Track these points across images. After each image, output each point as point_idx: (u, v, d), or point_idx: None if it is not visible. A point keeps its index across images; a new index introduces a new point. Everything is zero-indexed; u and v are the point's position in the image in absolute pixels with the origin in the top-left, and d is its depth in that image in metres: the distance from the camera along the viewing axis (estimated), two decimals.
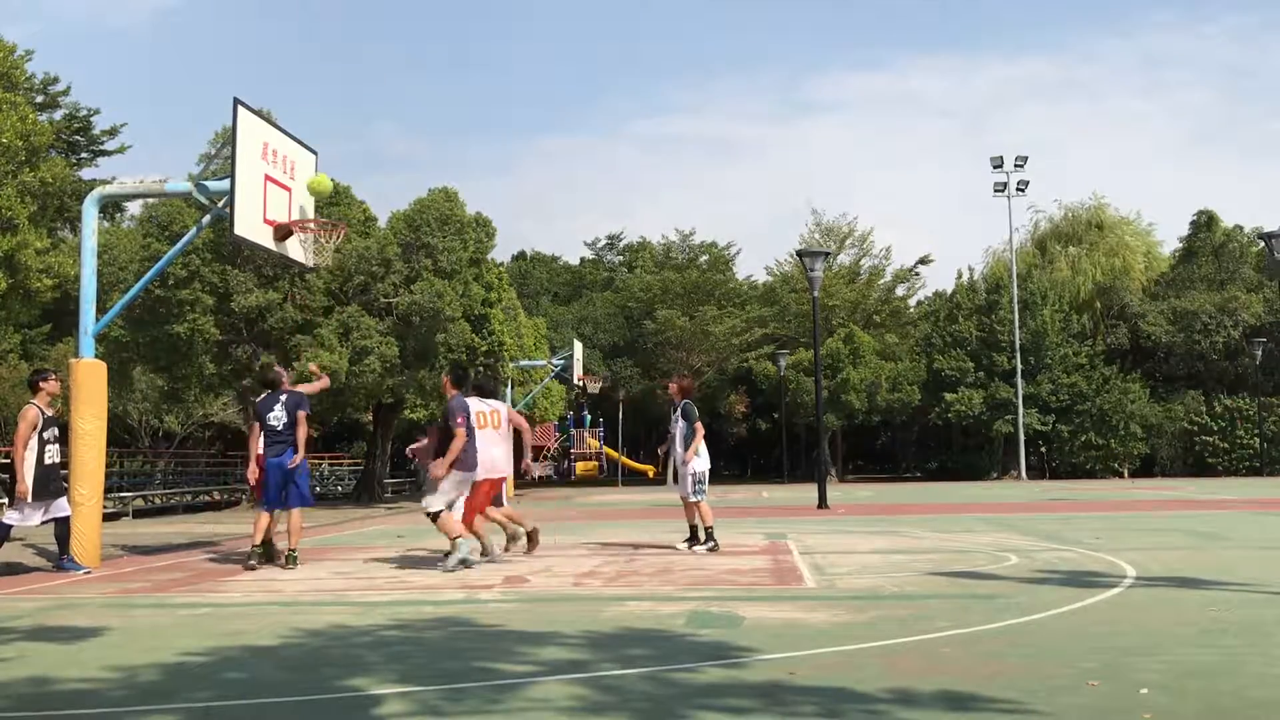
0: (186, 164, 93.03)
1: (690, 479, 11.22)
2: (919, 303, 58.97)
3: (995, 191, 49.72)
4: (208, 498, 25.89)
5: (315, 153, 12.33)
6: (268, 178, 11.20)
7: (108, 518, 15.43)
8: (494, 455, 10.13)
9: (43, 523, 10.04)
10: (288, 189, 11.60)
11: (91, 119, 41.95)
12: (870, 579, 8.57)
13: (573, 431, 57.17)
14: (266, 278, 23.17)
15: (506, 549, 10.69)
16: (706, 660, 5.26)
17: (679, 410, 11.43)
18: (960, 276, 52.64)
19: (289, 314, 23.30)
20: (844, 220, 55.98)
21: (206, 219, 11.63)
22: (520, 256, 71.91)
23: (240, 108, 10.76)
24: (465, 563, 9.43)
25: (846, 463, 57.88)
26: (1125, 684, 4.59)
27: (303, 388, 10.72)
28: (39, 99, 36.90)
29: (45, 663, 5.45)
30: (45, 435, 9.93)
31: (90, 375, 10.86)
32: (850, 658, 5.29)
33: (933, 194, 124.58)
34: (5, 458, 18.01)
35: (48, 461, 9.94)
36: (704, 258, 56.65)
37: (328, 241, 12.28)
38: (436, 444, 10.00)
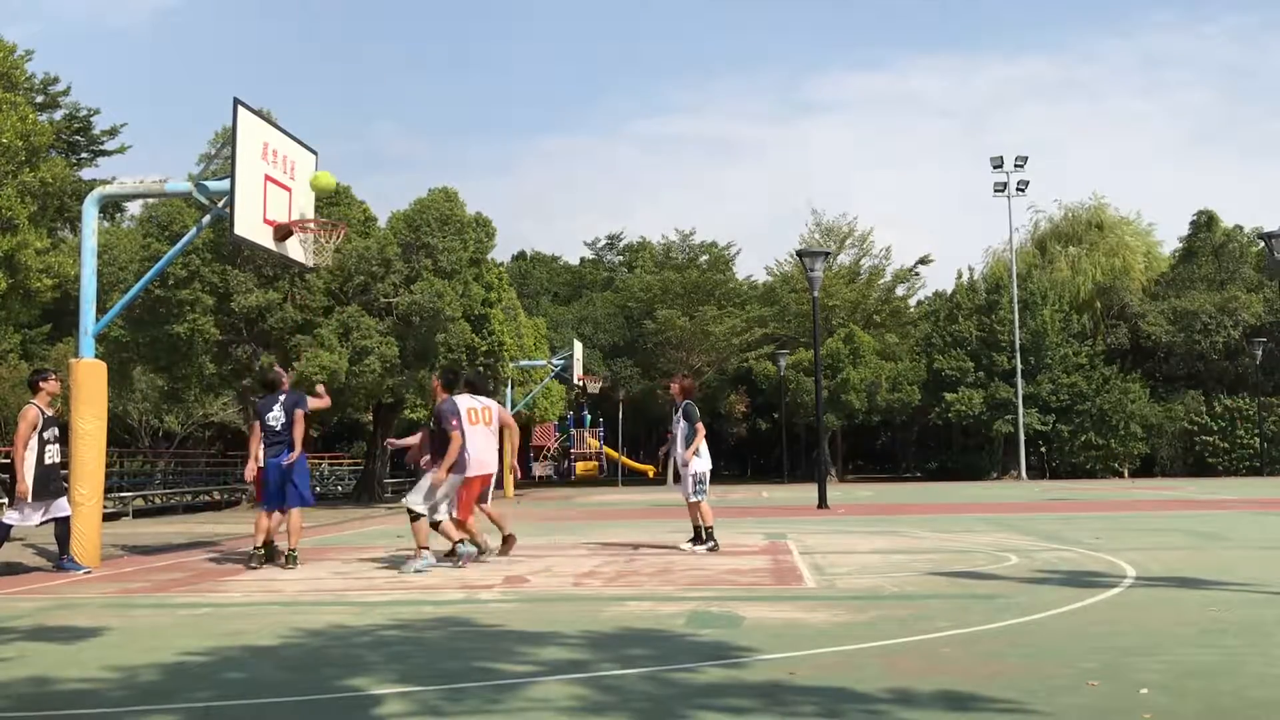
0: (186, 164, 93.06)
1: (691, 479, 11.22)
2: (919, 303, 59.00)
3: (995, 191, 49.75)
4: (208, 498, 25.89)
5: (315, 153, 12.33)
6: (268, 178, 11.19)
7: (108, 518, 15.43)
8: (484, 452, 10.18)
9: (42, 522, 10.04)
10: (288, 189, 11.60)
11: (91, 119, 42.01)
12: (870, 579, 8.57)
13: (573, 431, 57.20)
14: (266, 278, 23.17)
15: (502, 549, 10.65)
16: (706, 660, 5.26)
17: (680, 410, 11.43)
18: (960, 276, 52.70)
19: (289, 314, 23.30)
20: (844, 220, 56.02)
21: (206, 219, 11.63)
22: (520, 256, 71.91)
23: (240, 108, 10.76)
24: (421, 572, 9.41)
25: (846, 463, 57.89)
26: (1125, 684, 4.59)
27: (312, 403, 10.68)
28: (39, 99, 36.92)
29: (45, 663, 5.45)
30: (45, 435, 9.92)
31: (90, 375, 10.86)
32: (850, 658, 5.29)
33: (933, 194, 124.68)
34: (5, 458, 18.01)
35: (48, 461, 9.94)
36: (704, 258, 56.62)
37: (328, 241, 12.28)
38: (428, 445, 10.00)
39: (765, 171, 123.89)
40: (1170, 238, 63.83)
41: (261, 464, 10.10)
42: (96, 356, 11.18)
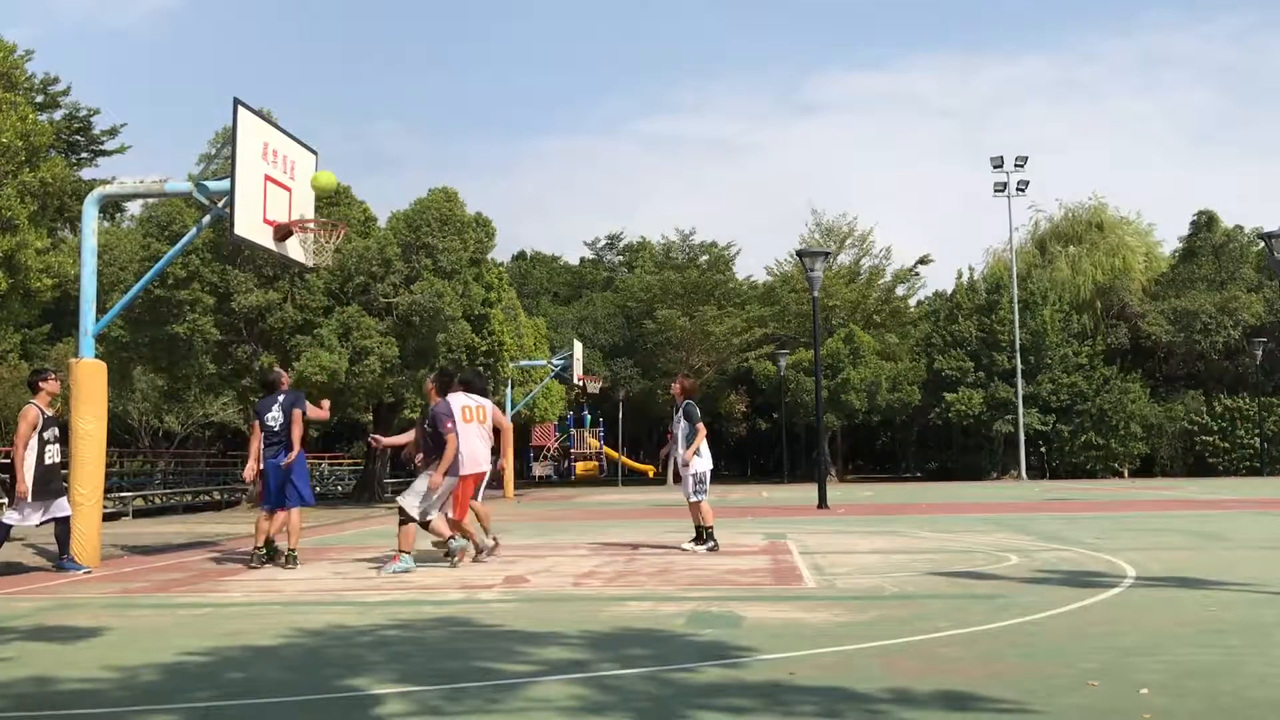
0: (186, 164, 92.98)
1: (691, 479, 11.22)
2: (919, 303, 58.97)
3: (995, 191, 49.77)
4: (208, 498, 25.90)
5: (315, 153, 12.33)
6: (268, 178, 11.19)
7: (108, 518, 15.43)
8: (477, 449, 10.24)
9: (42, 522, 10.04)
10: (288, 189, 11.60)
11: (91, 119, 42.00)
12: (870, 579, 8.57)
13: (573, 431, 57.19)
14: (266, 278, 23.17)
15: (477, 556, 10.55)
16: (706, 660, 5.26)
17: (681, 410, 11.43)
18: (960, 276, 52.68)
19: (289, 314, 23.30)
20: (844, 220, 55.96)
21: (206, 219, 11.63)
22: (520, 256, 71.89)
23: (240, 108, 10.76)
24: (398, 573, 9.37)
25: (846, 463, 57.90)
26: (1125, 684, 4.59)
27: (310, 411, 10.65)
28: (39, 99, 36.91)
29: (45, 663, 5.45)
30: (45, 435, 9.92)
31: (90, 375, 10.85)
32: (850, 658, 5.29)
33: (933, 194, 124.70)
34: (5, 458, 18.01)
35: (48, 461, 9.94)
36: (704, 258, 56.58)
37: (328, 241, 12.28)
38: (423, 445, 10.01)
39: (765, 171, 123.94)
40: (1170, 238, 63.95)
41: (261, 464, 10.12)
42: (96, 356, 11.17)
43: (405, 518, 9.66)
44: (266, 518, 10.21)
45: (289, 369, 19.84)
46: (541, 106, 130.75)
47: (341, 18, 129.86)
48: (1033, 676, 4.76)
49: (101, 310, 11.93)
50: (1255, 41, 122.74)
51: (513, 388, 33.32)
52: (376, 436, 11.88)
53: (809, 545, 11.91)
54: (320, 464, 41.04)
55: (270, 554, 10.28)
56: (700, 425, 11.32)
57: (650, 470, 55.57)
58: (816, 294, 23.69)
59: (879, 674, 4.86)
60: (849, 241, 55.35)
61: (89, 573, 9.97)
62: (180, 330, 22.34)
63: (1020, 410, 46.57)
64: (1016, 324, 47.37)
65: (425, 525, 9.73)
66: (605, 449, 56.20)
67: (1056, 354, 48.36)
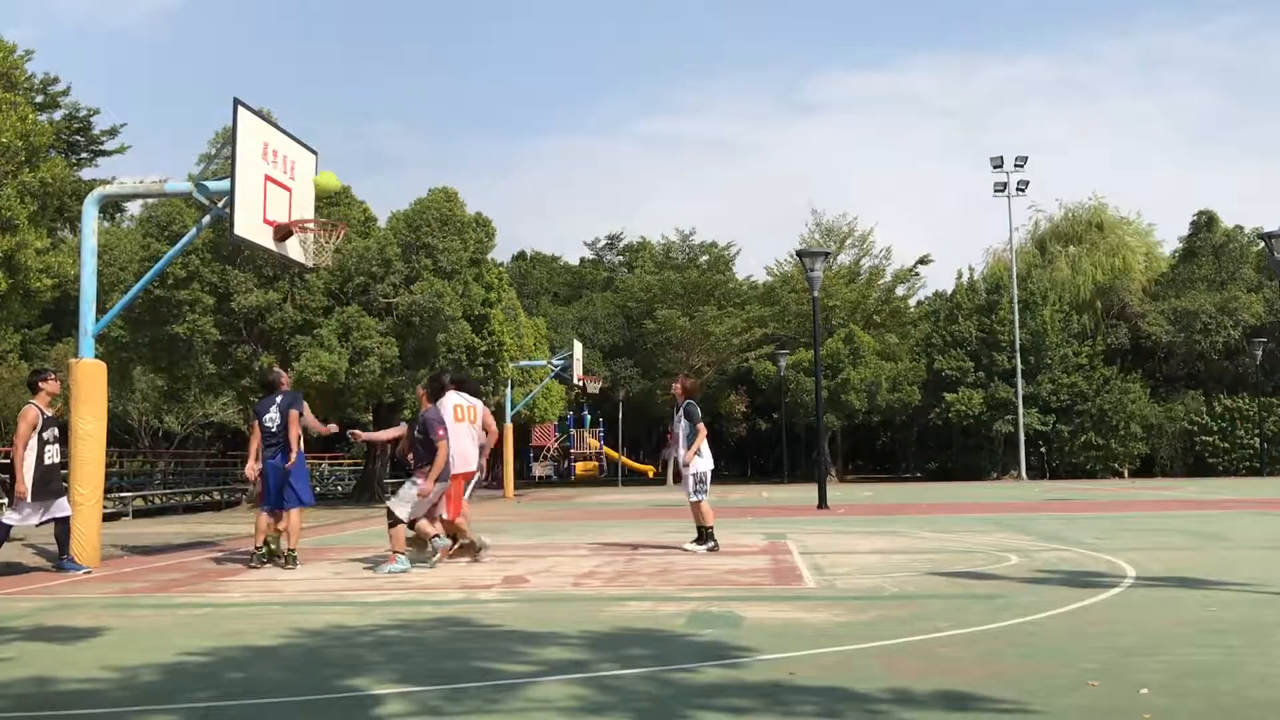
0: (186, 164, 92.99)
1: (691, 479, 11.22)
2: (919, 303, 58.95)
3: (995, 191, 49.76)
4: (208, 498, 25.89)
5: (315, 153, 12.33)
6: (268, 178, 11.19)
7: (108, 518, 15.43)
8: (468, 449, 10.32)
9: (42, 523, 10.04)
10: (288, 189, 11.59)
11: (91, 119, 42.01)
12: (870, 579, 8.57)
13: (573, 431, 57.18)
14: (266, 278, 23.17)
15: (451, 551, 10.51)
16: (706, 660, 5.26)
17: (682, 410, 11.43)
18: (960, 276, 52.65)
19: (289, 314, 23.30)
20: (844, 220, 55.94)
21: (206, 219, 11.63)
22: (520, 256, 71.88)
23: (240, 108, 10.75)
24: (394, 573, 9.38)
25: (846, 463, 57.89)
26: (1125, 684, 4.59)
27: (309, 420, 10.64)
28: (39, 99, 36.90)
29: (45, 663, 5.45)
30: (45, 435, 9.92)
31: (90, 375, 10.85)
32: (850, 658, 5.29)
33: (933, 194, 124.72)
34: (5, 458, 18.01)
35: (48, 462, 9.94)
36: (704, 258, 56.57)
37: (328, 241, 12.28)
38: (413, 450, 10.02)
39: (765, 171, 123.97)
40: (1170, 238, 63.91)
41: (260, 465, 10.13)
42: (96, 356, 11.17)
43: (394, 520, 9.68)
44: (266, 517, 10.21)
45: (289, 369, 19.85)
46: (541, 106, 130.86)
47: (341, 18, 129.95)
48: (1033, 676, 4.76)
49: (101, 310, 11.93)
50: (1255, 41, 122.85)
51: (513, 388, 33.32)
52: (355, 431, 11.89)
53: (809, 545, 11.91)
54: (320, 464, 41.05)
55: (270, 554, 10.29)
56: (701, 425, 11.32)
57: (650, 470, 55.57)
58: (816, 294, 23.69)
59: (879, 674, 4.86)
60: (849, 241, 55.35)
61: (89, 573, 9.97)
62: (180, 330, 22.34)
63: (1020, 410, 46.57)
64: (1016, 324, 47.37)
65: (412, 526, 9.77)
66: (605, 449, 56.20)
67: (1056, 354, 48.36)
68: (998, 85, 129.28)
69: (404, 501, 9.69)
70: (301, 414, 10.24)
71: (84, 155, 42.28)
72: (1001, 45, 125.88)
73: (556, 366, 35.81)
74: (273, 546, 10.29)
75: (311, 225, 12.02)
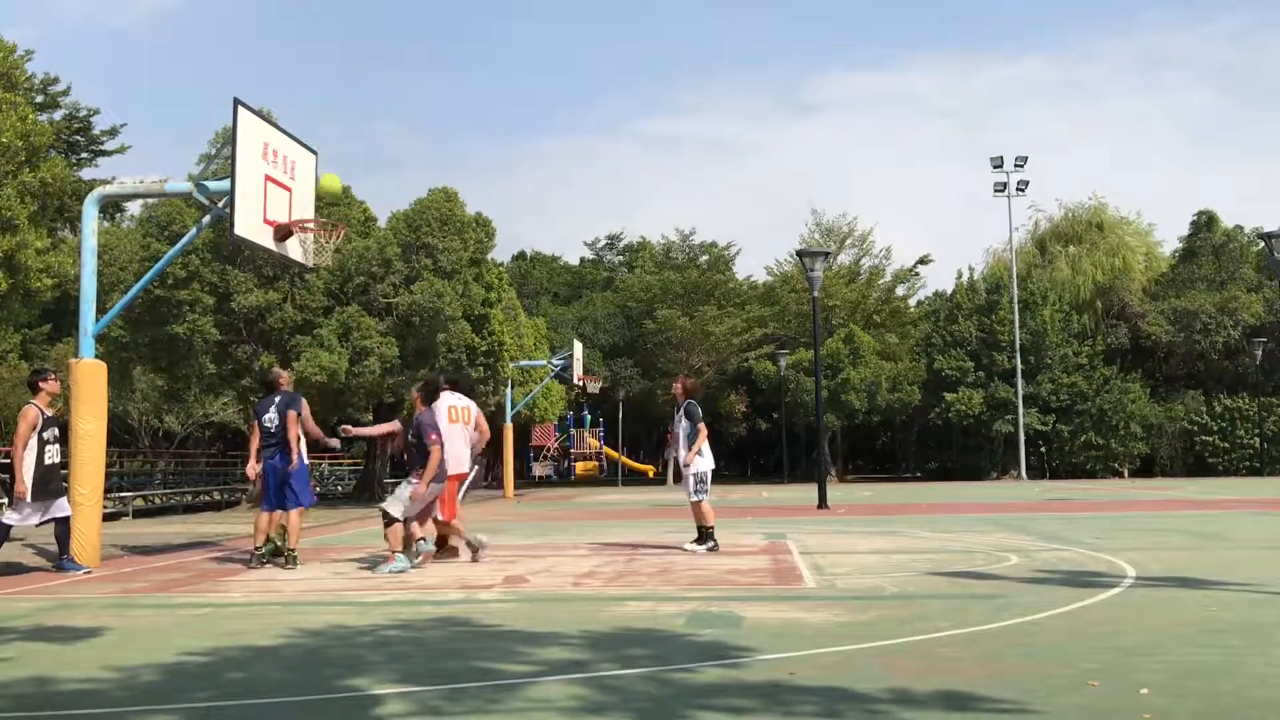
0: (186, 164, 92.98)
1: (691, 479, 11.22)
2: (919, 303, 58.96)
3: (995, 191, 49.77)
4: (208, 498, 25.89)
5: (315, 153, 12.33)
6: (268, 178, 11.19)
7: (108, 518, 15.43)
8: (461, 451, 10.33)
9: (42, 523, 10.03)
10: (288, 189, 11.59)
11: (91, 119, 42.00)
12: (870, 579, 8.57)
13: (573, 431, 57.19)
14: (266, 278, 23.17)
15: (434, 556, 10.50)
16: (706, 660, 5.26)
17: (682, 410, 11.43)
18: (960, 276, 52.67)
19: (289, 314, 23.29)
20: (844, 220, 55.94)
21: (206, 219, 11.63)
22: (520, 256, 71.88)
23: (240, 108, 10.75)
24: (394, 573, 9.39)
25: (846, 463, 57.89)
26: (1125, 684, 4.59)
27: (309, 424, 10.61)
28: (39, 99, 36.90)
29: (45, 663, 5.45)
30: (45, 435, 9.92)
31: (90, 375, 10.85)
32: (850, 658, 5.29)
33: (933, 194, 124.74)
34: (5, 458, 18.01)
35: (48, 462, 9.94)
36: (704, 258, 56.56)
37: (328, 241, 12.28)
38: (408, 453, 10.03)
39: (765, 171, 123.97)
40: (1170, 238, 63.91)
41: (260, 465, 10.13)
42: (96, 356, 11.17)
43: (389, 519, 9.70)
44: (266, 517, 10.21)
45: (289, 369, 19.83)
46: (541, 106, 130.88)
47: (341, 18, 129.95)
48: (1033, 676, 4.76)
49: (101, 310, 11.93)
50: (1255, 41, 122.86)
51: (513, 388, 33.32)
52: (346, 427, 11.91)
53: (809, 545, 11.91)
54: (320, 464, 41.04)
55: (270, 554, 10.29)
56: (701, 425, 11.32)
57: (650, 470, 55.57)
58: (816, 294, 23.70)
59: (879, 674, 4.86)
60: (849, 241, 55.35)
61: (89, 573, 9.97)
62: (180, 330, 22.34)
63: (1020, 410, 46.57)
64: (1016, 324, 47.37)
65: (405, 524, 9.79)
66: (605, 449, 56.20)
67: (1056, 354, 48.36)
68: (998, 85, 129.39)
69: (398, 500, 9.74)
70: (300, 414, 10.24)
71: (84, 155, 42.28)
72: (1001, 45, 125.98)
73: (556, 366, 35.81)
74: (278, 543, 10.29)
75: (311, 225, 12.02)
